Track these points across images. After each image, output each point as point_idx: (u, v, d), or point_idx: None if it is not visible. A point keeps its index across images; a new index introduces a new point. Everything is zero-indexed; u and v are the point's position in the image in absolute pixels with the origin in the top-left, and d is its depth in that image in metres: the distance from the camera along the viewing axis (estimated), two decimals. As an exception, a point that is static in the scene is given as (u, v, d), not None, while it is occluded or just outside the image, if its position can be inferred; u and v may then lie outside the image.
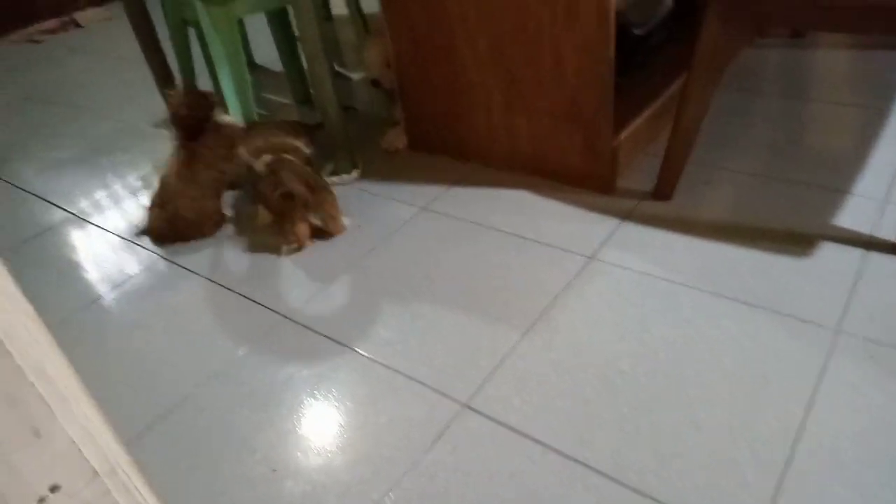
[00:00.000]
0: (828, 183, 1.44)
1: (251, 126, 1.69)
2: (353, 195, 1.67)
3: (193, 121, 1.55)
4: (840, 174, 1.46)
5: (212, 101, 1.59)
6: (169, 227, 1.58)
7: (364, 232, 1.53)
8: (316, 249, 1.50)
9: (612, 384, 1.06)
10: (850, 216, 1.34)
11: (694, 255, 1.30)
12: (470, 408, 1.06)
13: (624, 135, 1.51)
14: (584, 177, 1.54)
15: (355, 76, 2.41)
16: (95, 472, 0.54)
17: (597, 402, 1.03)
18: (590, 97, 1.43)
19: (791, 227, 1.33)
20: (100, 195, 1.90)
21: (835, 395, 0.99)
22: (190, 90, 1.59)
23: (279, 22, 2.11)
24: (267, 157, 1.51)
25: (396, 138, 1.85)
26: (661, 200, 1.47)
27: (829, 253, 1.25)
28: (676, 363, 1.08)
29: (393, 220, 1.55)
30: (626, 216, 1.44)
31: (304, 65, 1.72)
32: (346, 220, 1.54)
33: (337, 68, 2.47)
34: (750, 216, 1.38)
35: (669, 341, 1.12)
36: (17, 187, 2.01)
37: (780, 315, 1.14)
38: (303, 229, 1.49)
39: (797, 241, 1.29)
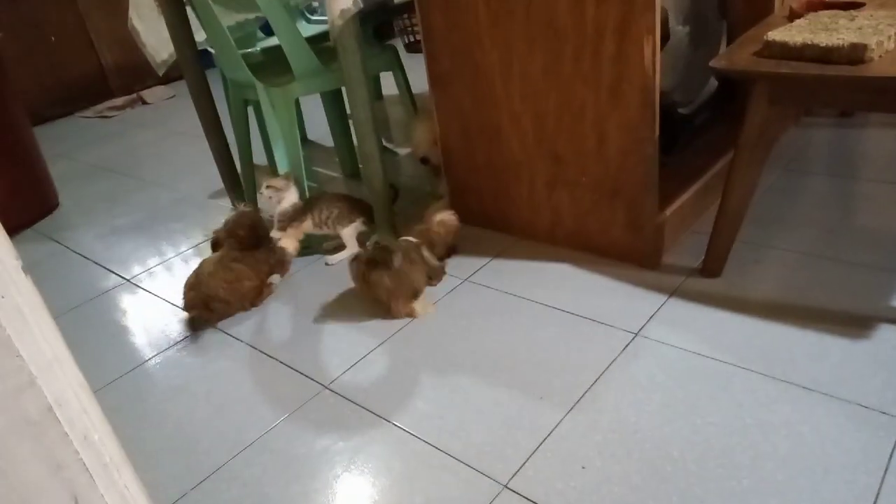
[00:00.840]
0: (882, 263, 1.39)
1: (317, 197, 1.77)
2: (396, 266, 1.69)
3: (249, 241, 1.63)
4: (894, 254, 1.41)
5: (265, 228, 1.69)
6: (204, 307, 1.59)
7: (406, 303, 1.53)
8: (357, 319, 1.51)
9: (662, 471, 1.01)
10: (911, 298, 1.28)
11: (745, 334, 1.26)
12: (509, 489, 1.02)
13: (669, 211, 1.50)
14: (627, 252, 1.53)
15: (402, 152, 2.49)
16: (130, 544, 0.54)
17: (645, 490, 0.98)
18: (634, 175, 1.44)
19: (847, 307, 1.28)
20: (153, 262, 1.97)
21: (904, 492, 0.92)
22: (252, 213, 1.68)
23: (333, 101, 2.22)
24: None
25: (439, 212, 1.88)
26: (709, 277, 1.44)
27: (888, 335, 1.20)
28: (729, 450, 1.03)
29: (435, 292, 1.55)
30: (673, 292, 1.41)
31: (354, 141, 1.79)
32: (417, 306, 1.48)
33: (385, 144, 2.56)
34: (803, 296, 1.34)
35: (721, 426, 1.07)
36: (76, 252, 2.11)
37: (839, 401, 1.08)
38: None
39: (854, 323, 1.24)
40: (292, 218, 1.74)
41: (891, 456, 0.97)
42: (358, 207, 1.78)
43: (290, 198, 1.74)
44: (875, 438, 1.00)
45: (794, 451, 1.00)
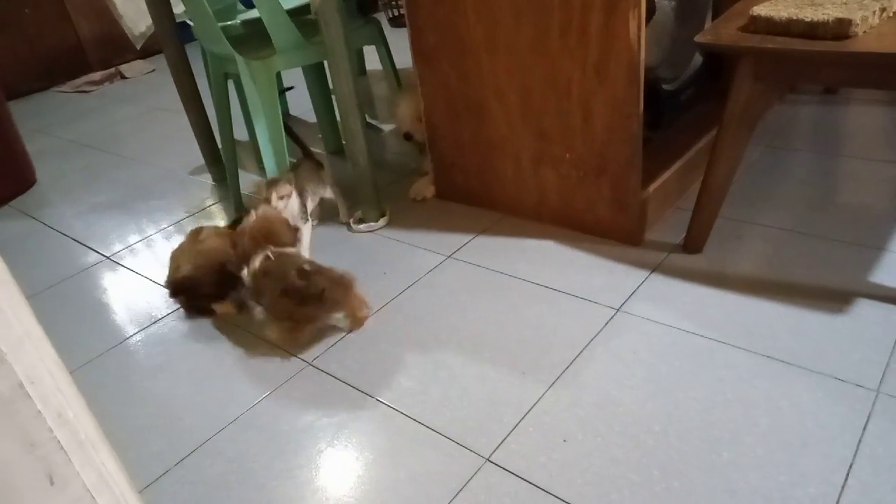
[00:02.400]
0: (864, 240, 1.40)
1: (293, 169, 1.71)
2: (379, 243, 1.69)
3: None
4: (876, 231, 1.42)
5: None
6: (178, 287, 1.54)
7: (390, 279, 1.53)
8: (342, 297, 1.50)
9: (643, 444, 1.02)
10: (890, 273, 1.29)
11: (726, 310, 1.27)
12: (492, 462, 1.03)
13: (653, 187, 1.50)
14: (611, 229, 1.53)
15: (386, 128, 2.46)
16: (108, 521, 0.53)
17: (626, 463, 1.00)
18: (619, 151, 1.43)
19: (827, 283, 1.30)
20: (133, 239, 1.94)
21: (876, 461, 0.94)
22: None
23: (315, 75, 2.18)
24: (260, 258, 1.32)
25: (424, 188, 1.87)
26: (690, 254, 1.45)
27: (867, 311, 1.21)
28: (710, 424, 1.04)
29: (419, 268, 1.55)
30: (655, 269, 1.42)
31: (338, 116, 1.77)
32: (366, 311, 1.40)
33: (369, 120, 2.53)
34: (784, 272, 1.35)
35: (702, 400, 1.08)
36: (55, 230, 2.07)
37: (817, 374, 1.09)
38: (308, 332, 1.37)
39: (834, 299, 1.25)
40: (311, 196, 1.66)
41: (864, 428, 0.99)
42: (310, 162, 1.73)
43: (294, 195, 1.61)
44: (851, 412, 1.02)
45: (774, 425, 1.02)
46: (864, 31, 1.13)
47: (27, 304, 0.52)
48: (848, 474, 0.93)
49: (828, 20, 1.12)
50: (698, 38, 1.25)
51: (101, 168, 2.56)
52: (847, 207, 1.53)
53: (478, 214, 1.75)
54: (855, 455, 0.95)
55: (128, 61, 4.08)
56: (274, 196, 1.52)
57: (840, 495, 0.90)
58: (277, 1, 1.62)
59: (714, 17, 1.82)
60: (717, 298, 1.30)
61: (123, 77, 3.95)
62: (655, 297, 1.33)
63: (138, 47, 3.82)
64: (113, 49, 4.05)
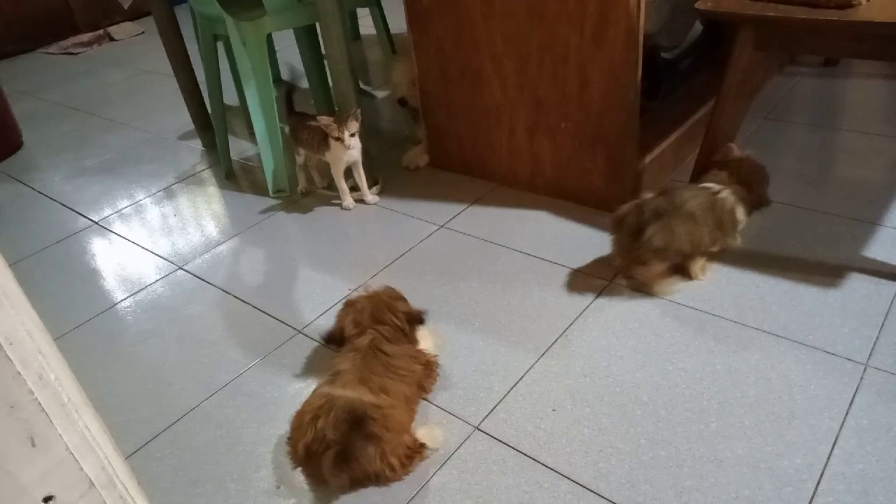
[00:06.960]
0: (859, 214, 1.40)
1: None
2: (372, 211, 1.67)
3: None
4: (872, 205, 1.42)
5: None
6: None
7: (382, 248, 1.52)
8: (332, 264, 1.49)
9: (631, 414, 1.03)
10: (883, 248, 1.29)
11: (718, 282, 1.27)
12: (481, 431, 1.03)
13: (649, 158, 1.49)
14: (606, 199, 1.52)
15: (380, 95, 2.43)
16: (92, 484, 0.53)
17: (613, 432, 1.00)
18: (615, 120, 1.41)
19: (821, 257, 1.29)
20: (122, 204, 1.92)
21: (861, 433, 0.94)
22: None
23: (307, 39, 2.13)
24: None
25: (418, 156, 1.85)
26: (684, 226, 1.44)
27: (859, 285, 1.21)
28: (698, 394, 1.04)
29: (411, 238, 1.54)
30: (649, 241, 1.41)
31: (330, 82, 1.73)
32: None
33: (362, 86, 2.49)
34: (777, 245, 1.35)
35: (691, 371, 1.08)
36: (44, 194, 2.04)
37: (807, 347, 1.10)
38: None
39: (827, 273, 1.25)
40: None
41: (852, 401, 0.99)
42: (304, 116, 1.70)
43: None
44: (839, 385, 1.02)
45: (762, 397, 1.02)
46: (867, 1, 1.11)
47: (6, 266, 0.50)
48: (834, 445, 0.93)
49: (831, -12, 1.10)
50: (699, 5, 1.22)
51: (89, 132, 2.51)
52: (843, 181, 1.52)
53: (471, 184, 1.73)
54: (841, 427, 0.96)
55: (116, 23, 3.99)
56: (346, 132, 1.55)
57: (825, 466, 0.91)
58: (268, -40, 1.58)
59: (715, -15, 1.78)
60: (709, 270, 1.30)
61: (112, 39, 3.87)
62: (648, 268, 1.33)
63: (126, 8, 3.73)
64: (101, 10, 3.95)
